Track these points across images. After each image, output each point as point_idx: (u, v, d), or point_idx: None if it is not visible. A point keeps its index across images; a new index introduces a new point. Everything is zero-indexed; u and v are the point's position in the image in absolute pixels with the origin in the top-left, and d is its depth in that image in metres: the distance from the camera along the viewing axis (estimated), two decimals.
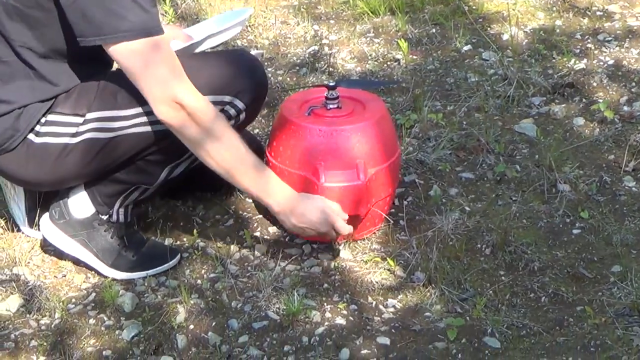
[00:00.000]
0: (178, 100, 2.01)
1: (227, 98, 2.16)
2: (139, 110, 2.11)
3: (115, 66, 2.18)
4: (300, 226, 2.19)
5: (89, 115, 2.12)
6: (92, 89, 2.14)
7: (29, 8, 2.04)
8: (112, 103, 2.12)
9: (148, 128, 2.13)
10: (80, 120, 2.13)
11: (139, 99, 2.08)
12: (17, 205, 2.43)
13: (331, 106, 2.32)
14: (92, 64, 2.15)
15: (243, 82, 2.18)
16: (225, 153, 2.09)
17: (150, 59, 2.00)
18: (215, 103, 2.12)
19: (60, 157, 2.15)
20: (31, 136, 2.14)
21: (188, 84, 2.04)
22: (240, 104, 2.18)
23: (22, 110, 2.12)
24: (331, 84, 2.33)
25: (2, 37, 2.09)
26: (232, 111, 2.18)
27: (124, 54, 1.99)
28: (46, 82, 2.12)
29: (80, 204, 2.27)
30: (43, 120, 2.13)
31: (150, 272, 2.30)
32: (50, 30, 2.06)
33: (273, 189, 2.17)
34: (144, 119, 2.12)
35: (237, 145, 2.10)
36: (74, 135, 2.13)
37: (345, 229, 2.19)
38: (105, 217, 2.28)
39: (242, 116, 2.21)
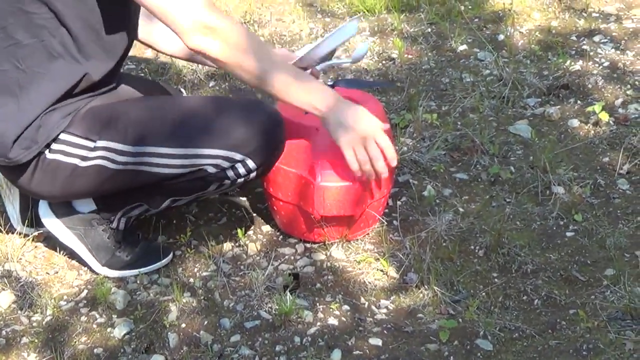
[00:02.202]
0: (209, 25, 1.92)
1: (238, 156, 2.06)
2: (145, 149, 2.07)
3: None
4: (348, 125, 2.06)
5: (99, 143, 2.08)
6: (106, 115, 2.10)
7: None
8: (121, 136, 2.07)
9: (152, 169, 2.09)
10: (91, 145, 2.09)
11: (146, 138, 2.06)
12: (12, 205, 2.43)
13: None
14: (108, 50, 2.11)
15: (258, 141, 2.07)
16: (258, 64, 1.98)
17: None
18: (223, 158, 2.06)
19: (71, 177, 2.11)
20: (45, 151, 2.09)
21: (214, 8, 1.95)
22: (251, 164, 2.08)
23: (41, 123, 2.05)
24: (329, 83, 2.32)
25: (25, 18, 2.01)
26: (242, 170, 2.09)
27: None
28: (67, 58, 2.05)
29: (84, 200, 2.25)
30: (58, 138, 2.09)
31: (143, 270, 2.30)
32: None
33: (315, 87, 2.07)
34: (149, 159, 2.08)
35: (268, 52, 2.07)
36: (83, 158, 2.09)
37: (389, 143, 2.12)
38: (105, 219, 2.27)
39: (253, 175, 2.11)
